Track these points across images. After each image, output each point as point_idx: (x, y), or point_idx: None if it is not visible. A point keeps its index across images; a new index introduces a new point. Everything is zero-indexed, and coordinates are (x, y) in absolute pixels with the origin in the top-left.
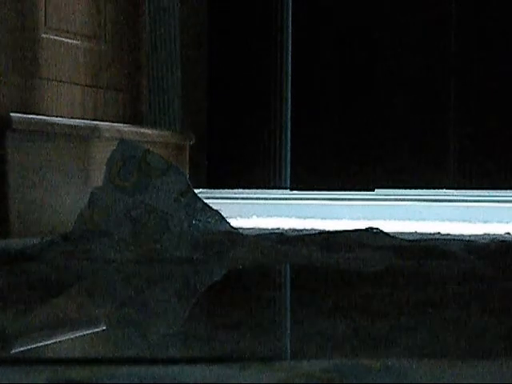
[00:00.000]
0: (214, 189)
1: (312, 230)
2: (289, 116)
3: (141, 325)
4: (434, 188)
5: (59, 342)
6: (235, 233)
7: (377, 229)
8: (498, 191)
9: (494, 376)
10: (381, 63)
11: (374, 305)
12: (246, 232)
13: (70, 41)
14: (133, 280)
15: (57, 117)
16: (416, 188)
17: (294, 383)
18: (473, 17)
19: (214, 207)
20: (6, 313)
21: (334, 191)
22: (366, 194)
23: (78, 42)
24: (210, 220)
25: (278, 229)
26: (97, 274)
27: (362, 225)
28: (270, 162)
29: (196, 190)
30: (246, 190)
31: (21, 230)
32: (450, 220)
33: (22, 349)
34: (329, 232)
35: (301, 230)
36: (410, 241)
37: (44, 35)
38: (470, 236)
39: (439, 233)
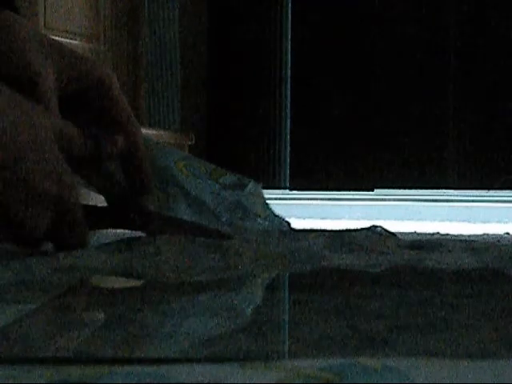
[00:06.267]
0: None
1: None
2: (288, 116)
3: (140, 324)
4: (433, 188)
5: (59, 341)
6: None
7: (380, 227)
8: (498, 191)
9: (494, 376)
10: (381, 63)
11: (374, 305)
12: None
13: (68, 41)
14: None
15: None
16: (415, 188)
17: (293, 383)
18: (473, 16)
19: None
20: (7, 312)
21: (333, 191)
22: (366, 194)
23: (77, 42)
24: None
25: None
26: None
27: (361, 225)
28: (269, 162)
29: None
30: None
31: None
32: (450, 220)
33: (21, 348)
34: (332, 231)
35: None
36: (411, 241)
37: None
38: (469, 236)
39: (438, 233)
